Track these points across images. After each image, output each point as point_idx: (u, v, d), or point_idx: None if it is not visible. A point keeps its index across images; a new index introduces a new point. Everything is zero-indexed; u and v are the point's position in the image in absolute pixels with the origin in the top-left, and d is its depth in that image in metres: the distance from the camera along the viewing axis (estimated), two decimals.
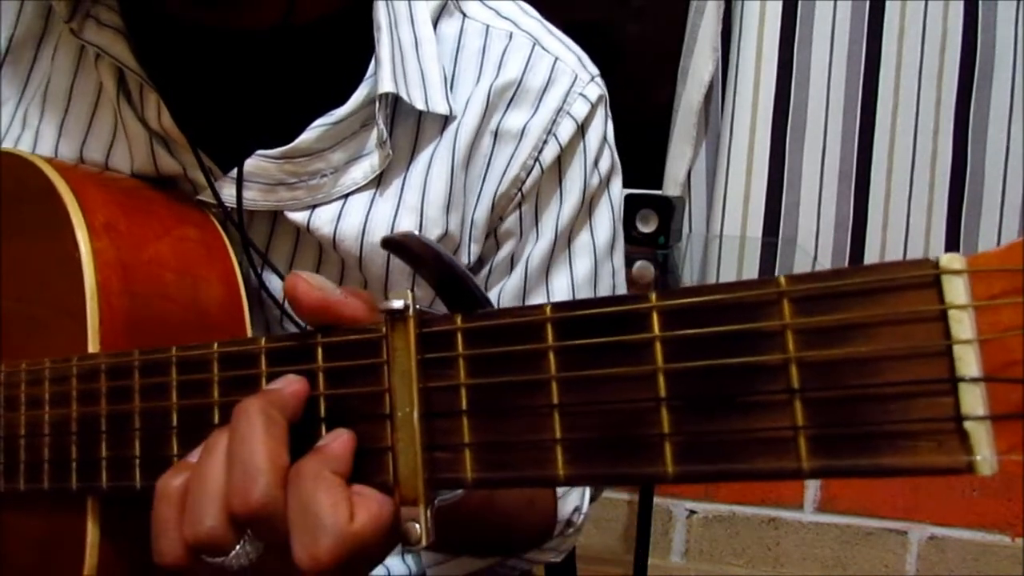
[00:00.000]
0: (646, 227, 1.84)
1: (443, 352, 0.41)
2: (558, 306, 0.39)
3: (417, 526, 0.41)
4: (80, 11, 0.68)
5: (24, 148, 0.72)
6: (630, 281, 1.53)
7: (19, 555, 0.61)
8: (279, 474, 0.43)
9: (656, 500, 2.22)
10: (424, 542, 0.41)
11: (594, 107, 0.76)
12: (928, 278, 0.31)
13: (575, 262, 0.77)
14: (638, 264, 1.74)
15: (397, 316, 0.42)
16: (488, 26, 0.75)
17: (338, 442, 0.44)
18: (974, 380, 0.29)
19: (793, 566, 2.24)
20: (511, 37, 0.75)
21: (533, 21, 0.78)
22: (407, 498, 0.42)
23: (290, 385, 0.46)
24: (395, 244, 0.43)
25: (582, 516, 0.80)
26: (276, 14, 0.66)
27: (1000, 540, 2.13)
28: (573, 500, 0.78)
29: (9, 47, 0.74)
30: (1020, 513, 2.10)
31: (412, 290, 0.69)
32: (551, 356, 0.38)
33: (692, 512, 2.29)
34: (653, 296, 0.36)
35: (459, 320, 0.41)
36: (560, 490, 0.77)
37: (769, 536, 2.25)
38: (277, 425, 0.44)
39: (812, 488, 2.23)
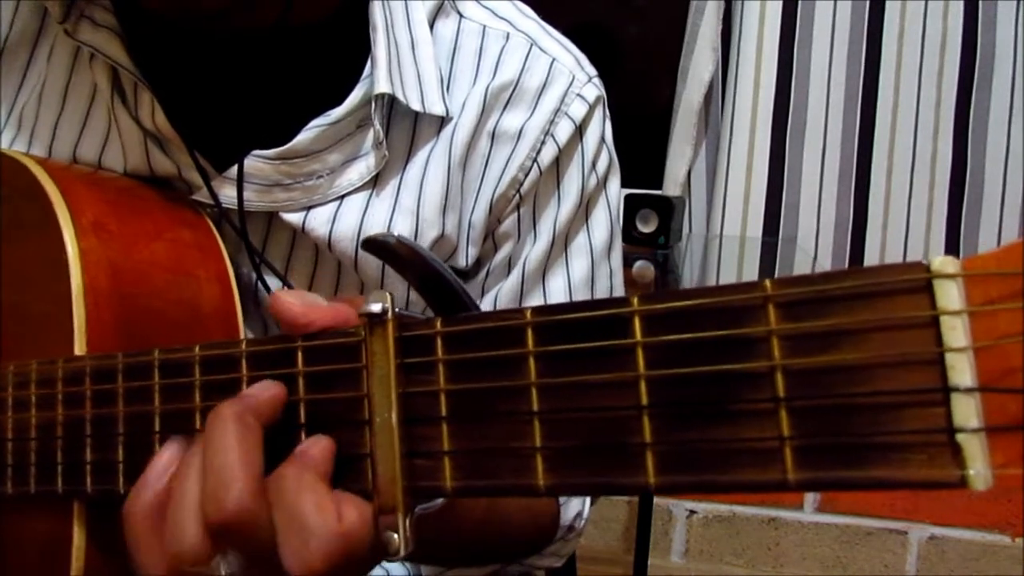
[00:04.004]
0: (646, 227, 1.83)
1: (422, 357, 0.40)
2: (539, 310, 0.38)
3: (396, 535, 0.40)
4: (74, 12, 0.68)
5: (18, 149, 0.71)
6: (630, 281, 1.53)
7: (9, 558, 0.61)
8: (253, 481, 0.42)
9: (656, 500, 2.22)
10: (403, 551, 0.40)
11: (592, 108, 0.75)
12: (920, 282, 0.29)
13: (572, 263, 0.77)
14: (638, 264, 1.73)
15: (376, 320, 0.41)
16: (485, 27, 0.74)
17: (317, 447, 0.43)
18: (968, 390, 0.28)
19: (793, 566, 2.23)
20: (508, 38, 0.74)
21: (530, 22, 0.77)
22: (386, 506, 0.41)
23: (267, 390, 0.45)
24: (376, 245, 0.43)
25: (583, 521, 0.79)
26: (273, 15, 0.65)
27: (1000, 540, 2.13)
28: (575, 506, 0.78)
29: (4, 47, 0.74)
30: (1020, 513, 2.10)
31: (407, 293, 0.69)
32: (531, 361, 0.37)
33: (692, 512, 2.29)
34: (635, 300, 0.35)
35: (439, 324, 0.40)
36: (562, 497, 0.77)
37: (769, 536, 2.25)
38: (251, 432, 0.43)
39: None
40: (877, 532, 2.19)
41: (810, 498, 2.22)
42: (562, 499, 0.77)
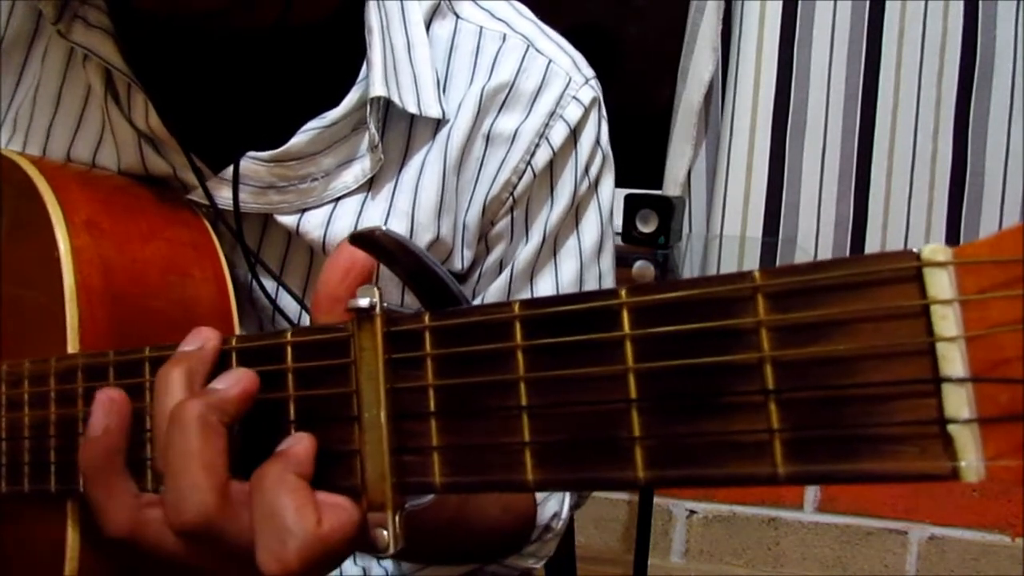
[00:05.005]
0: (646, 227, 1.83)
1: (411, 352, 0.40)
2: (526, 303, 0.37)
3: (385, 532, 0.40)
4: (68, 12, 0.67)
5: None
6: (629, 281, 1.53)
7: (3, 557, 0.60)
8: (215, 490, 0.42)
9: (656, 500, 2.21)
10: (392, 548, 0.40)
11: (587, 111, 0.75)
12: (910, 271, 0.29)
13: (561, 265, 0.77)
14: (638, 264, 1.73)
15: (364, 315, 0.41)
16: (482, 28, 0.74)
17: (300, 445, 0.43)
18: (959, 380, 0.28)
19: (793, 566, 2.23)
20: (505, 39, 0.74)
21: (527, 23, 0.76)
22: (375, 503, 0.40)
23: (235, 387, 0.44)
24: (363, 239, 0.42)
25: (561, 521, 0.78)
26: (273, 15, 0.65)
27: (1000, 540, 2.12)
28: (552, 506, 0.77)
29: (0, 48, 0.73)
30: (1020, 513, 2.09)
31: (402, 296, 0.69)
32: (519, 356, 0.37)
33: (692, 512, 2.29)
34: (623, 292, 0.34)
35: (427, 318, 0.40)
36: (539, 495, 0.76)
37: (769, 536, 2.24)
38: (215, 433, 0.43)
39: (812, 488, 2.22)
40: (877, 532, 2.19)
41: (810, 498, 2.22)
42: (539, 498, 0.76)
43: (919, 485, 2.13)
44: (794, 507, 2.23)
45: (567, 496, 0.79)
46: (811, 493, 2.22)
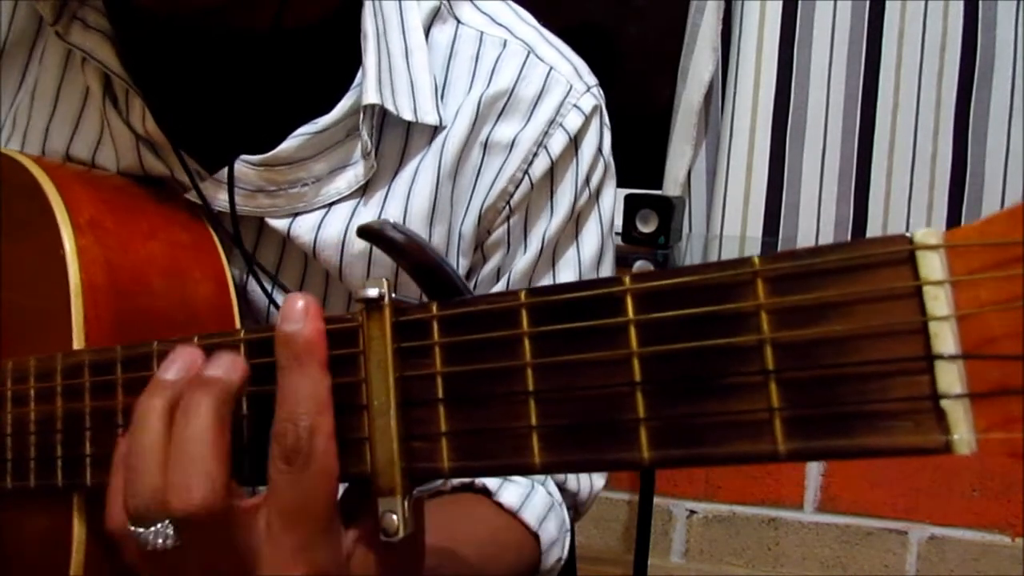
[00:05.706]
0: (646, 227, 1.83)
1: (419, 340, 0.41)
2: (533, 291, 0.38)
3: (395, 516, 0.41)
4: (66, 13, 0.67)
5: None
6: None
7: (10, 553, 0.61)
8: (225, 480, 0.43)
9: (656, 500, 2.21)
10: (402, 532, 0.41)
11: (588, 119, 0.73)
12: (903, 254, 0.30)
13: (559, 275, 0.76)
14: (638, 264, 1.74)
15: (373, 305, 0.42)
16: (482, 33, 0.73)
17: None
18: (951, 357, 0.29)
19: (793, 566, 2.23)
20: (505, 45, 0.73)
21: (529, 28, 0.75)
22: (384, 488, 0.41)
23: (235, 370, 0.45)
24: (370, 233, 0.43)
25: (563, 561, 0.78)
26: (268, 16, 0.65)
27: (1000, 540, 2.12)
28: (556, 552, 0.76)
29: (4, 49, 0.74)
30: (1020, 513, 2.10)
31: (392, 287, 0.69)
32: (526, 342, 0.38)
33: (692, 512, 2.29)
34: (627, 279, 0.36)
35: (435, 308, 0.41)
36: (545, 542, 0.75)
37: (769, 536, 2.24)
38: (226, 424, 0.44)
39: (812, 488, 2.22)
40: (877, 532, 2.19)
41: (810, 498, 2.22)
42: (544, 545, 0.75)
43: (920, 485, 2.13)
44: (794, 507, 2.23)
45: (567, 539, 0.78)
46: (811, 493, 2.22)
